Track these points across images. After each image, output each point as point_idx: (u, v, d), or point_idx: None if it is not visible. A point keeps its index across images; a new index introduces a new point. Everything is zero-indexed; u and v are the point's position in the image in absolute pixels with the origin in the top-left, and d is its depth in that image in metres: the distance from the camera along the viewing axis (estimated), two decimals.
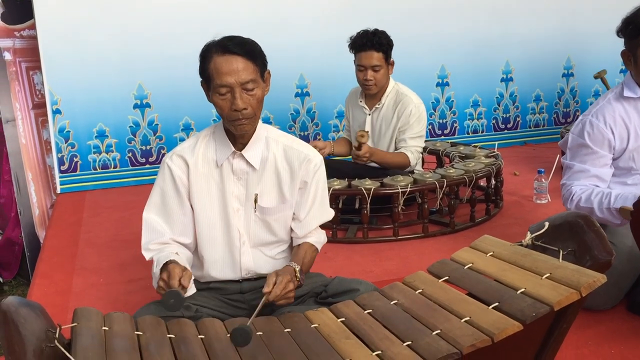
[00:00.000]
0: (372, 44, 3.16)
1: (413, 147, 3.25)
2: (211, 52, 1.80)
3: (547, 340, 1.52)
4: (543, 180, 3.52)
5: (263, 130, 1.92)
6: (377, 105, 3.35)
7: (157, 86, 4.26)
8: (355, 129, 3.46)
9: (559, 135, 4.71)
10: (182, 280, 1.65)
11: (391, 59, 3.24)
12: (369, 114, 3.39)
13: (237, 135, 1.86)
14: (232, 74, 1.76)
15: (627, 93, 2.22)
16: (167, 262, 1.77)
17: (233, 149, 1.89)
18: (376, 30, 3.20)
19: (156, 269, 1.80)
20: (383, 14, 4.33)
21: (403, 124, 3.25)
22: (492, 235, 1.80)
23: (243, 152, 1.88)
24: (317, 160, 1.94)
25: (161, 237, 1.91)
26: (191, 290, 1.76)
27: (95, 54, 4.10)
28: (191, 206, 1.93)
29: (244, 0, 4.30)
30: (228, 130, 1.88)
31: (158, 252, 1.87)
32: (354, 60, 3.28)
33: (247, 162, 1.89)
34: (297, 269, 1.81)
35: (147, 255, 1.90)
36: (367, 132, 3.22)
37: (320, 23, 4.45)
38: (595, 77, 4.50)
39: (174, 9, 4.20)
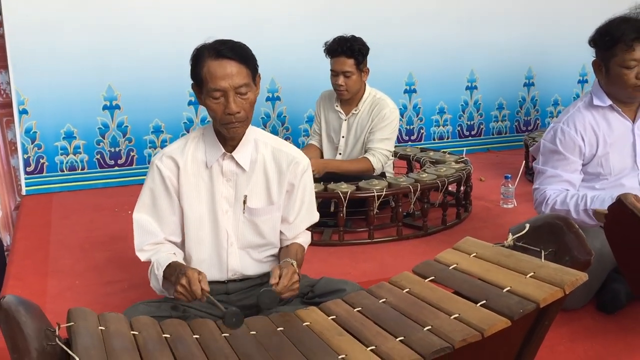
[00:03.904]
0: (342, 50, 3.21)
1: (379, 150, 3.28)
2: (204, 56, 1.81)
3: (530, 336, 1.59)
4: (510, 185, 3.64)
5: (252, 133, 1.95)
6: (353, 111, 3.40)
7: (127, 87, 4.21)
8: (330, 134, 3.51)
9: (521, 143, 4.85)
10: (202, 285, 1.68)
11: (365, 66, 3.29)
12: (345, 120, 3.44)
13: (228, 137, 1.89)
14: (226, 78, 1.78)
15: (596, 102, 2.33)
16: (171, 263, 1.80)
17: (223, 150, 1.91)
18: (351, 36, 3.25)
19: (158, 272, 1.82)
20: (353, 21, 4.38)
21: (374, 125, 3.30)
22: None
23: (233, 153, 1.91)
24: (304, 163, 1.98)
25: (155, 237, 1.91)
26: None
27: (64, 54, 4.02)
28: (180, 206, 1.94)
29: (216, 3, 4.30)
30: (218, 132, 1.90)
31: (154, 252, 1.88)
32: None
33: (237, 164, 1.92)
34: (295, 264, 1.83)
35: (143, 257, 1.91)
36: None
37: (292, 27, 4.48)
38: None
39: (145, 10, 4.16)
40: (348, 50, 3.21)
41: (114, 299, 2.47)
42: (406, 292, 1.68)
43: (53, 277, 2.75)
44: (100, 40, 4.08)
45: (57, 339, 1.29)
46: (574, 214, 2.18)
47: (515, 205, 3.63)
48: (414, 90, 4.98)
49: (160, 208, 1.93)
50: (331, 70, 3.29)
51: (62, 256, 3.00)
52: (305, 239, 2.07)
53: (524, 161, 4.21)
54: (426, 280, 1.71)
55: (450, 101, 5.13)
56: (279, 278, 1.72)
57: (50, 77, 4.02)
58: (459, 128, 5.20)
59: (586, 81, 5.53)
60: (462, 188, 3.39)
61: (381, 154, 3.28)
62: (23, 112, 4.03)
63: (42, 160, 4.13)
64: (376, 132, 3.30)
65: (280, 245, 2.05)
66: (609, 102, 2.32)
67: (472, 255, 1.76)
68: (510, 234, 1.77)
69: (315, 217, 2.09)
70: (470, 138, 5.25)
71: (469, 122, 5.23)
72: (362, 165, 3.27)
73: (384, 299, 1.67)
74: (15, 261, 2.94)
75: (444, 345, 1.36)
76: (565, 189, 2.31)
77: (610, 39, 2.21)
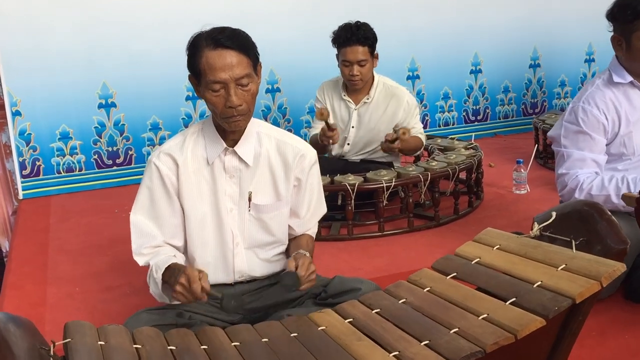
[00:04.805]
0: (357, 39, 3.06)
1: (421, 129, 3.30)
2: (201, 46, 1.67)
3: (562, 334, 1.47)
4: (522, 170, 3.51)
5: (254, 125, 1.83)
6: (365, 100, 3.26)
7: (122, 85, 4.08)
8: (339, 124, 3.34)
9: (529, 126, 4.74)
10: (203, 283, 1.59)
11: (375, 52, 3.16)
12: (356, 109, 3.29)
13: (229, 131, 1.76)
14: (226, 69, 1.65)
15: (616, 79, 2.21)
16: (170, 265, 1.70)
17: (225, 145, 1.79)
18: (359, 23, 3.10)
19: (157, 275, 1.71)
20: (353, 7, 4.25)
21: (406, 116, 3.22)
22: (480, 228, 1.75)
23: (235, 148, 1.79)
24: (311, 156, 1.87)
25: (153, 240, 1.80)
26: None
27: (56, 52, 3.90)
28: (181, 207, 1.83)
29: None
30: (219, 126, 1.78)
31: (153, 256, 1.77)
32: (337, 55, 3.19)
33: (240, 159, 1.80)
34: (309, 255, 1.74)
35: (141, 261, 1.80)
36: (409, 129, 3.11)
37: (290, 17, 4.35)
38: None
39: (139, 3, 4.03)
40: (362, 38, 3.06)
41: (115, 306, 2.36)
42: (427, 291, 1.56)
43: (52, 284, 2.64)
44: (93, 37, 3.96)
45: (51, 359, 1.18)
46: (614, 199, 2.09)
47: (529, 190, 3.52)
48: (417, 76, 4.85)
49: (158, 210, 1.81)
50: (344, 60, 3.12)
51: (61, 262, 2.89)
52: (313, 229, 1.99)
53: (536, 145, 4.08)
54: (448, 277, 1.60)
55: (454, 86, 5.00)
56: (296, 269, 1.65)
57: (42, 76, 3.90)
58: (464, 113, 5.08)
59: (593, 60, 5.39)
60: (473, 175, 3.27)
61: (424, 132, 3.32)
62: (16, 113, 3.91)
63: (38, 163, 4.01)
64: (411, 120, 3.24)
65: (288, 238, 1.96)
66: (629, 78, 2.20)
67: (495, 248, 1.64)
68: (535, 223, 1.65)
69: (324, 209, 2.00)
70: (476, 123, 5.12)
71: (474, 107, 5.10)
72: (419, 142, 3.25)
73: (404, 299, 1.55)
74: (13, 269, 2.83)
75: (475, 350, 1.24)
76: (595, 171, 2.19)
77: (632, 12, 2.09)
